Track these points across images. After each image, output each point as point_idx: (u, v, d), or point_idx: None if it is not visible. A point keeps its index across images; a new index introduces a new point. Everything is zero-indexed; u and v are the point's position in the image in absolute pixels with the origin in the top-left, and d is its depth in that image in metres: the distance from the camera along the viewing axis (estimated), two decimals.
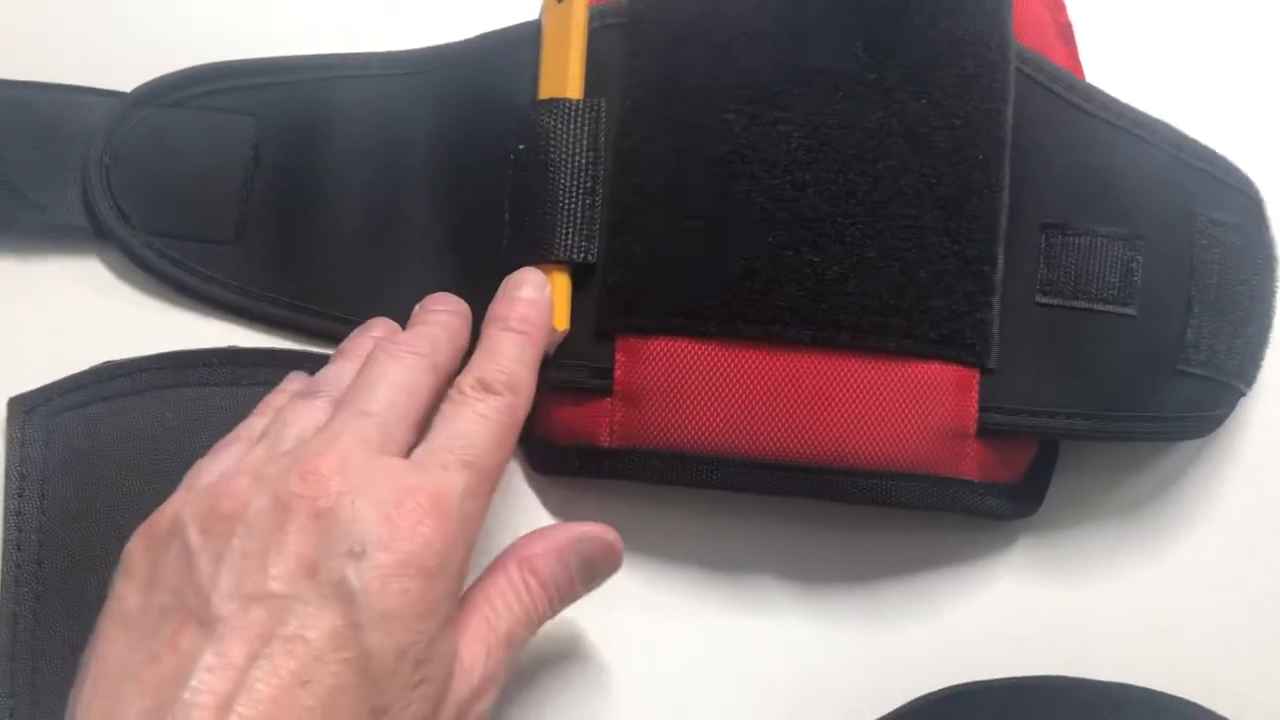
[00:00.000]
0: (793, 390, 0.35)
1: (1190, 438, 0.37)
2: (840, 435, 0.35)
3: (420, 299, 0.35)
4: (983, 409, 0.35)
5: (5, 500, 0.36)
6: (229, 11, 0.41)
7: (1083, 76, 0.39)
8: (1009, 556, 0.38)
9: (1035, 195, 0.36)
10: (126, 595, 0.29)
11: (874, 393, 0.35)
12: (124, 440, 0.36)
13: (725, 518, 0.38)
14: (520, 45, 0.38)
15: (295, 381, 0.35)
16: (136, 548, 0.30)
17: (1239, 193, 0.38)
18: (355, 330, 0.35)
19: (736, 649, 0.37)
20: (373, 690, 0.27)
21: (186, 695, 0.26)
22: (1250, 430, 0.39)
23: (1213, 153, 0.37)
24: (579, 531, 0.33)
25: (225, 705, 0.26)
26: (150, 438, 0.36)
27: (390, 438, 0.30)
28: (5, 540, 0.36)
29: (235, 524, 0.28)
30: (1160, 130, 0.37)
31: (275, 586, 0.27)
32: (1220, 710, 0.35)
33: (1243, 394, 0.37)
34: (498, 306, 0.34)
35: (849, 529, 0.38)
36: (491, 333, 0.33)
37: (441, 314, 0.34)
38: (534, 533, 0.33)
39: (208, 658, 0.26)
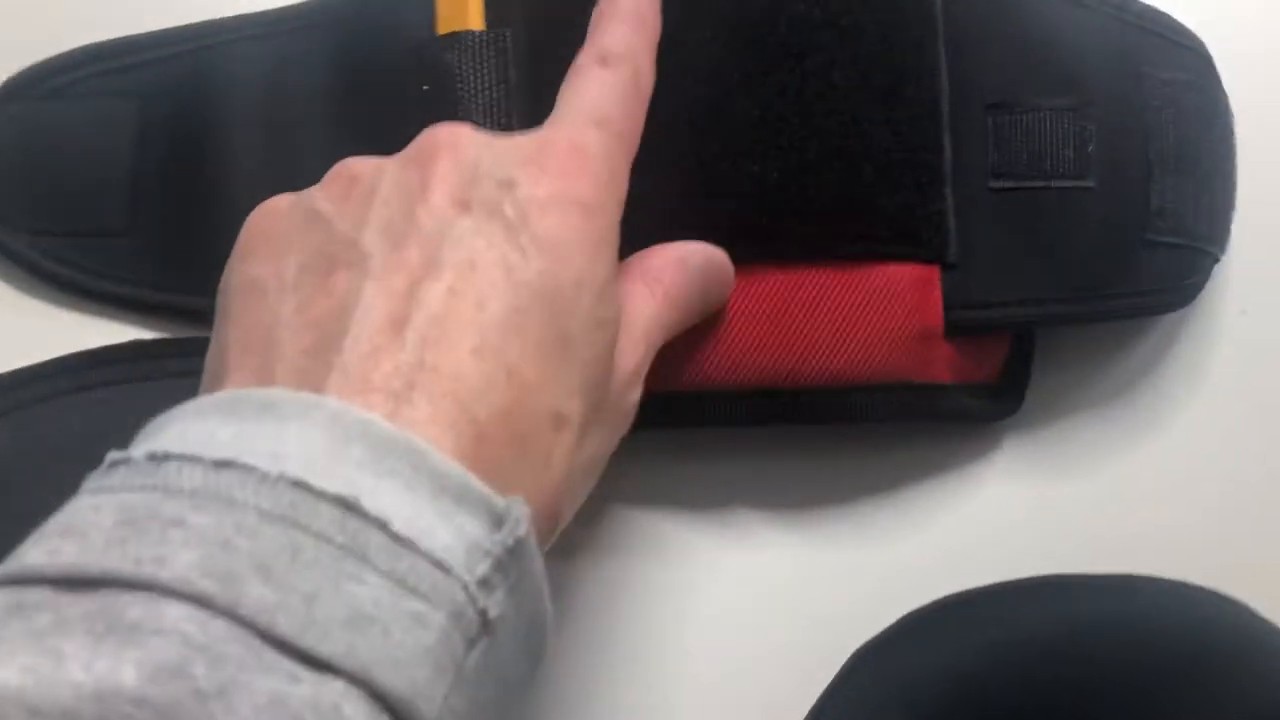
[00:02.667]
0: (748, 311, 0.33)
1: (1167, 310, 0.36)
2: (804, 353, 0.33)
3: None
4: (948, 306, 0.33)
5: None
6: None
7: None
8: (994, 459, 0.36)
9: (976, 76, 0.34)
10: (252, 268, 0.25)
11: (832, 303, 0.33)
12: (29, 456, 0.33)
13: (700, 456, 0.36)
14: None
15: None
16: (251, 229, 0.26)
17: (1187, 49, 0.36)
18: None
19: (727, 586, 0.35)
20: (554, 316, 0.24)
21: (355, 320, 0.23)
22: (1228, 297, 0.38)
23: (1156, 11, 0.36)
24: (690, 246, 0.31)
25: (398, 325, 0.23)
26: (57, 449, 0.33)
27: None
28: None
29: (372, 184, 0.26)
30: None
31: (427, 223, 0.24)
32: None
33: (1217, 259, 0.36)
34: (603, 5, 0.31)
35: (828, 451, 0.36)
36: (602, 19, 0.30)
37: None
38: (650, 250, 0.30)
39: (369, 288, 0.23)
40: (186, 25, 0.37)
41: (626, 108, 0.29)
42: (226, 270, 0.26)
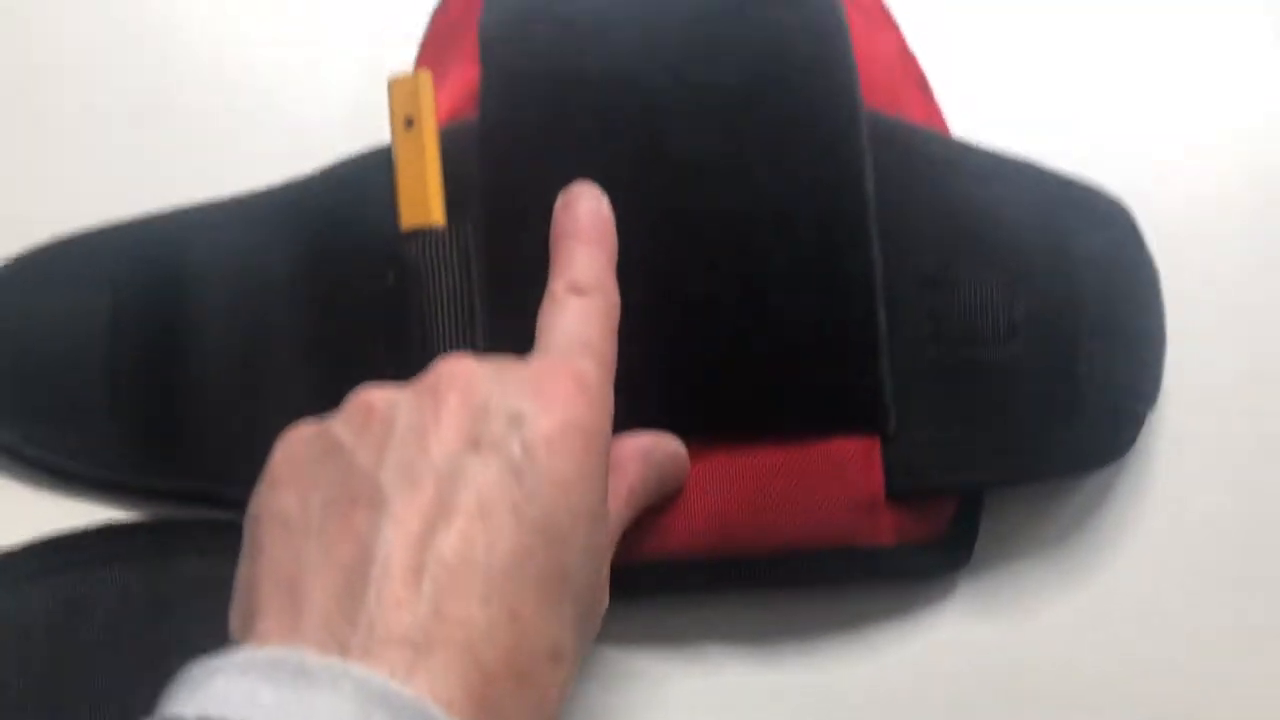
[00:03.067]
0: (698, 486, 0.34)
1: (1099, 467, 0.37)
2: (751, 524, 0.34)
3: None
4: (889, 474, 0.34)
5: None
6: (68, 185, 0.40)
7: (943, 120, 0.39)
8: (948, 602, 0.38)
9: (910, 252, 0.35)
10: (279, 499, 0.27)
11: (780, 478, 0.34)
12: (7, 633, 0.34)
13: (666, 609, 0.37)
14: (373, 172, 0.36)
15: None
16: (279, 459, 0.28)
17: (1111, 217, 0.38)
18: None
19: (684, 713, 0.37)
20: (555, 553, 0.26)
21: (376, 570, 0.25)
22: (1162, 442, 0.39)
23: (1080, 183, 0.38)
24: (654, 438, 0.33)
25: (416, 575, 0.25)
26: (26, 631, 0.34)
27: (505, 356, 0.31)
28: None
29: (388, 417, 0.28)
30: (1024, 169, 0.37)
31: (441, 463, 0.27)
32: None
33: (1146, 414, 0.37)
34: (562, 221, 0.33)
35: (791, 600, 0.37)
36: (565, 245, 0.33)
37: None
38: (615, 440, 0.32)
39: (386, 533, 0.25)
40: (158, 212, 0.38)
41: (606, 333, 0.31)
42: (255, 497, 0.28)
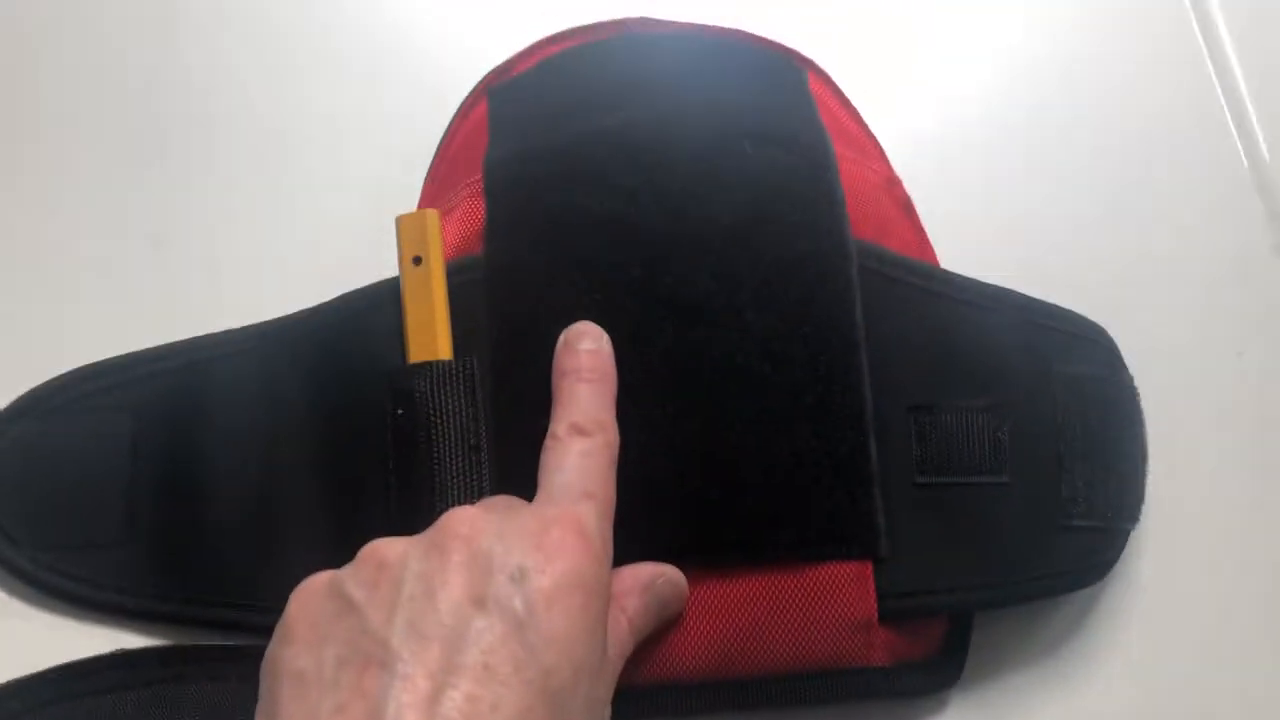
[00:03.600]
0: (698, 614, 0.35)
1: (1085, 586, 0.38)
2: (747, 648, 0.35)
3: (309, 575, 0.36)
4: (881, 597, 0.35)
5: None
6: (86, 312, 0.42)
7: (929, 245, 0.41)
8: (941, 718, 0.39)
9: (898, 380, 0.37)
10: (294, 656, 0.29)
11: (774, 603, 0.35)
12: None
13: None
14: (381, 305, 0.38)
15: None
16: (294, 613, 0.30)
17: (1093, 343, 0.39)
18: None
19: None
20: (556, 708, 0.28)
21: None
22: (1146, 554, 0.41)
23: (1062, 310, 0.39)
24: (655, 569, 0.34)
25: None
26: None
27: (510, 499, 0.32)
28: None
29: (397, 574, 0.29)
30: (1007, 298, 0.39)
31: (447, 620, 0.28)
32: None
33: (1129, 532, 0.39)
34: (564, 360, 0.35)
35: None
36: (567, 383, 0.34)
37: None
38: (618, 571, 0.33)
39: (396, 693, 0.27)
40: (176, 342, 0.40)
41: (607, 475, 0.33)
42: (271, 651, 0.29)
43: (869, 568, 0.36)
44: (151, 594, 0.38)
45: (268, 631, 0.33)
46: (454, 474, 0.36)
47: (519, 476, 0.35)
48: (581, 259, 0.36)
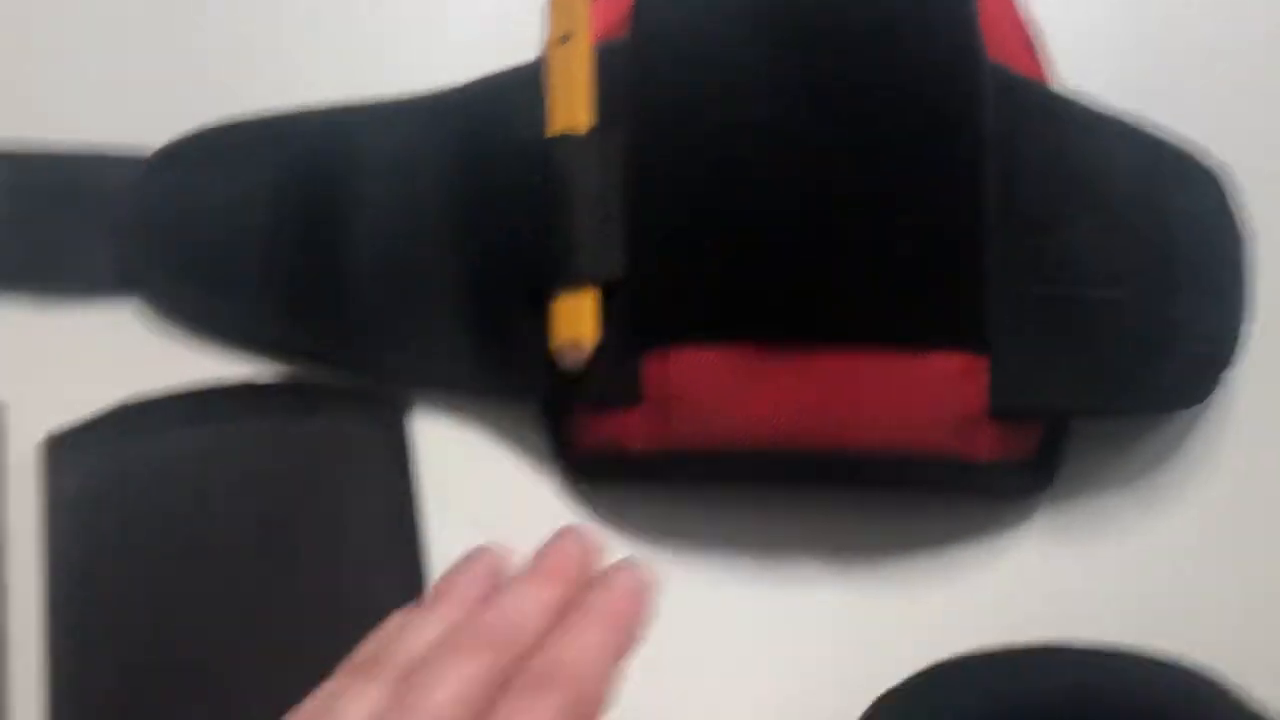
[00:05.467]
0: (812, 388, 0.36)
1: (1185, 407, 0.40)
2: (859, 425, 0.36)
3: (443, 331, 0.37)
4: (991, 393, 0.37)
5: (42, 534, 0.37)
6: (239, 66, 0.43)
7: (1051, 68, 0.42)
8: (1026, 529, 0.40)
9: (1020, 194, 0.37)
10: None
11: (887, 385, 0.36)
12: (148, 473, 0.37)
13: (756, 510, 0.40)
14: (524, 83, 0.39)
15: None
16: None
17: (1208, 178, 0.40)
18: (456, 565, 0.31)
19: (761, 626, 0.39)
20: None
21: None
22: (1242, 393, 0.42)
23: (1181, 144, 0.40)
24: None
25: None
26: (172, 471, 0.37)
27: None
28: (43, 571, 0.37)
29: None
30: (1127, 126, 0.40)
31: None
32: (1226, 670, 0.36)
33: (1231, 361, 0.40)
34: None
35: (866, 508, 0.40)
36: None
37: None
38: None
39: None
40: (324, 105, 0.41)
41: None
42: None
43: (983, 363, 0.37)
44: (282, 337, 0.40)
45: (396, 375, 0.34)
46: (589, 237, 0.37)
47: (649, 248, 0.37)
48: (724, 42, 0.37)
